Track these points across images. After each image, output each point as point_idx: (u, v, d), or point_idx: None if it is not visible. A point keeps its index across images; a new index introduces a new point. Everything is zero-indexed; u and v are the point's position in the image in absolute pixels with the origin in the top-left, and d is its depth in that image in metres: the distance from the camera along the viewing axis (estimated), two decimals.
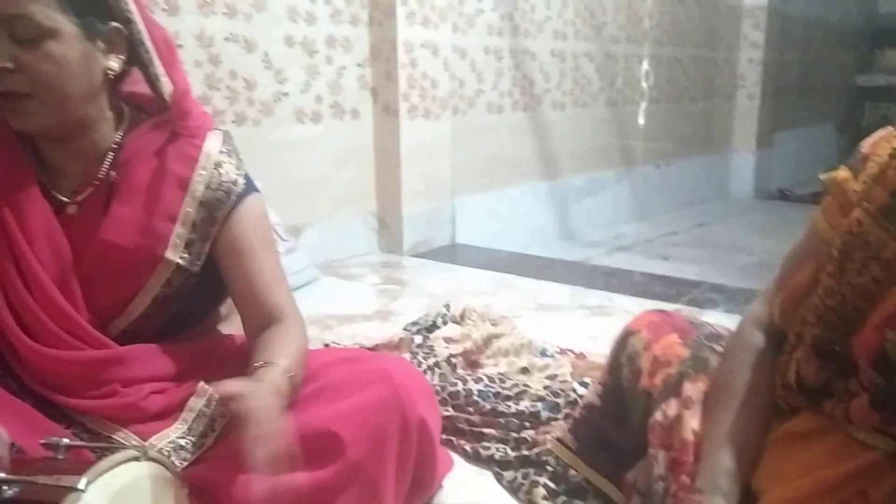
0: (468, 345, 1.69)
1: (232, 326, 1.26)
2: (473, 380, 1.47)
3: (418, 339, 1.77)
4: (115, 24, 0.97)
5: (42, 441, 0.77)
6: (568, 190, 3.99)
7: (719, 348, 0.98)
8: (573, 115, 3.95)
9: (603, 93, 4.14)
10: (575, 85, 3.91)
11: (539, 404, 1.41)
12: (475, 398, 1.43)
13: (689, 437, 0.89)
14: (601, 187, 4.23)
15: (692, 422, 0.90)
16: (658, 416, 0.94)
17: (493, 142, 3.48)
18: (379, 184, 3.05)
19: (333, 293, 2.46)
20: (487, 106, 3.42)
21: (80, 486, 0.65)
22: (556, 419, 1.37)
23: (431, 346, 1.70)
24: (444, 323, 1.93)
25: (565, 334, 1.99)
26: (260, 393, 0.84)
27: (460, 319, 1.97)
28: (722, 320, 1.35)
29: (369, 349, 1.70)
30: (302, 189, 2.74)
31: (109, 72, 0.98)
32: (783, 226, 3.98)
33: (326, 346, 1.85)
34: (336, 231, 2.92)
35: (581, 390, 1.43)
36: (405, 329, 1.97)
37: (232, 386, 0.83)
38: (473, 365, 1.66)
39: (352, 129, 2.91)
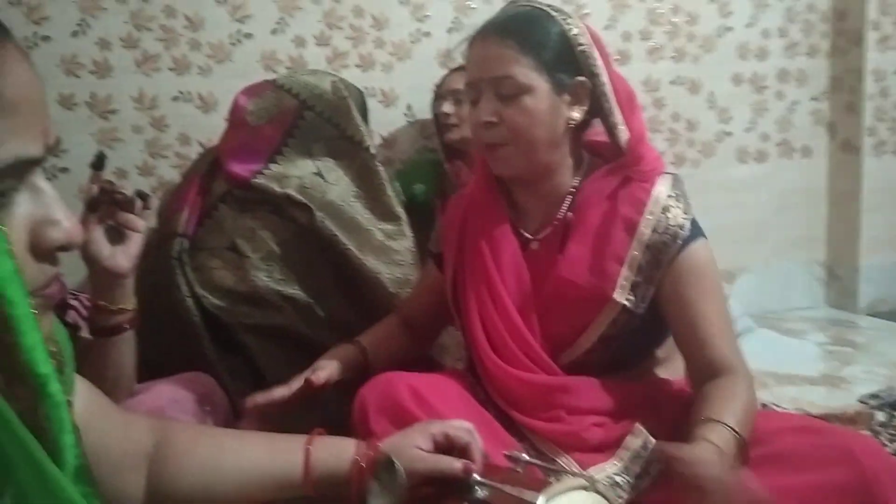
0: None
1: (668, 370, 1.24)
2: None
3: (881, 416, 1.51)
4: (581, 78, 1.05)
5: (505, 453, 0.86)
6: None
7: None
8: None
9: None
10: None
11: None
12: None
13: None
14: None
15: None
16: None
17: None
18: (831, 230, 2.70)
19: (770, 348, 2.25)
20: None
21: (539, 502, 0.70)
22: None
23: None
24: None
25: None
26: (711, 463, 0.79)
27: None
28: None
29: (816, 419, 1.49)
30: (739, 233, 2.58)
31: (571, 122, 1.06)
32: None
33: (763, 406, 1.69)
34: (775, 280, 2.67)
35: None
36: (861, 401, 1.69)
37: (679, 448, 0.80)
38: None
39: (801, 169, 2.65)
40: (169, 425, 0.81)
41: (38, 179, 0.50)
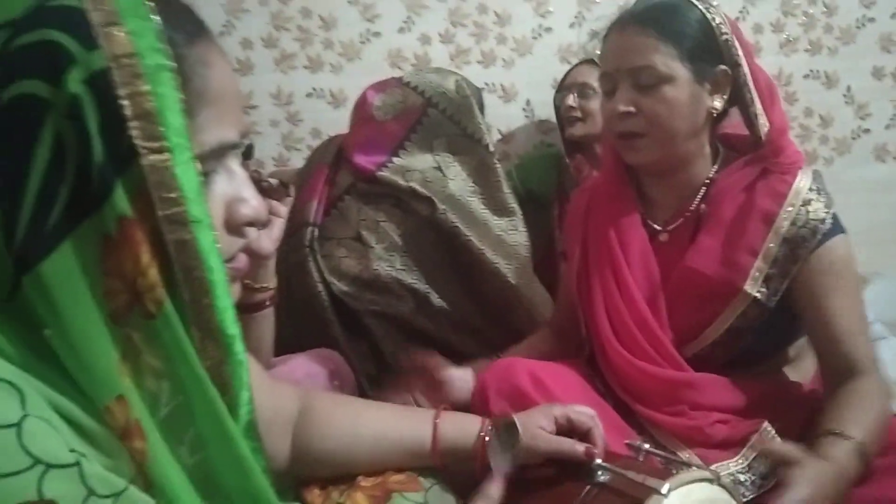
0: None
1: (799, 372, 1.20)
2: None
3: None
4: (723, 67, 1.03)
5: (627, 441, 0.87)
6: None
7: None
8: None
9: None
10: None
11: None
12: None
13: None
14: None
15: None
16: None
17: None
18: None
19: None
20: None
21: (664, 490, 0.70)
22: None
23: None
24: None
25: None
26: (814, 478, 0.79)
27: None
28: None
29: None
30: (874, 235, 2.41)
31: (713, 111, 1.04)
32: None
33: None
34: None
35: None
36: None
37: (787, 450, 0.80)
38: None
39: None
40: (311, 393, 0.87)
41: (233, 162, 0.57)
